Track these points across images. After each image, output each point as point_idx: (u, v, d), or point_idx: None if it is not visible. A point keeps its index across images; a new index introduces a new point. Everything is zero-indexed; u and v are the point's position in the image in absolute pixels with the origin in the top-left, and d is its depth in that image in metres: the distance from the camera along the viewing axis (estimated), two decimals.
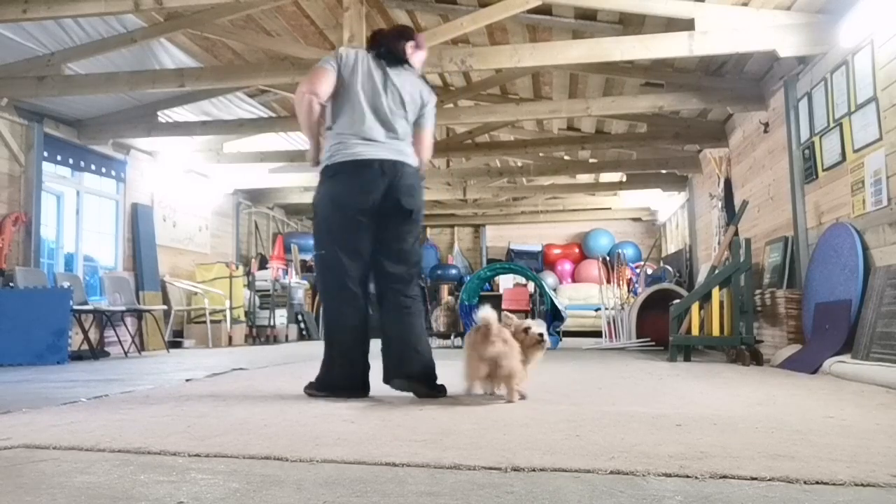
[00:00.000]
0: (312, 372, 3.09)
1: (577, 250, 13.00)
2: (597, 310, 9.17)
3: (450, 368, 4.65)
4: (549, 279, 12.10)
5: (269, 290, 9.76)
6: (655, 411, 2.45)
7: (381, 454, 1.67)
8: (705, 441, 1.84)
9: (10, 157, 6.42)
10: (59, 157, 7.07)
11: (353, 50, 3.04)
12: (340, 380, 2.93)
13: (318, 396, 2.91)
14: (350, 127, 2.91)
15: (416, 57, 3.17)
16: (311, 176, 7.42)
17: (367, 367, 2.96)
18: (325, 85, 2.91)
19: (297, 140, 8.87)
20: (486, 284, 10.12)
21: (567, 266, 12.82)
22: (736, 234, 5.61)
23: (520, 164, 9.62)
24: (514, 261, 12.29)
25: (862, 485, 1.37)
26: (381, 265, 2.96)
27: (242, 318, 9.24)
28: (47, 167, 6.89)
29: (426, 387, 2.86)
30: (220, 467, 1.57)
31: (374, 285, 3.01)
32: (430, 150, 3.18)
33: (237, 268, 9.30)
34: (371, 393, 3.01)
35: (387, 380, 2.90)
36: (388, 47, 3.06)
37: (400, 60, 3.05)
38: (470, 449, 1.74)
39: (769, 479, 1.41)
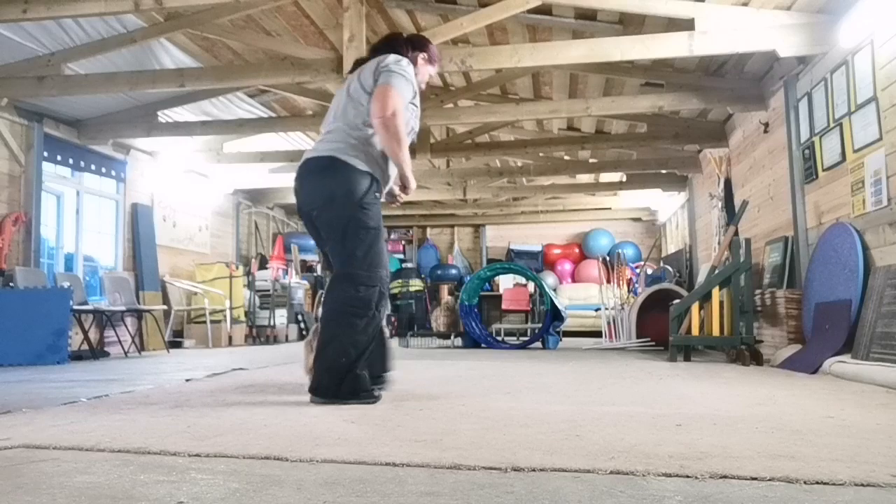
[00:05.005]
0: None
1: (577, 250, 13.00)
2: (597, 310, 9.17)
3: (450, 368, 4.67)
4: (549, 279, 12.10)
5: (269, 290, 9.77)
6: (655, 411, 2.45)
7: (381, 454, 1.67)
8: (705, 441, 1.84)
9: (10, 157, 6.42)
10: (59, 157, 7.07)
11: None
12: None
13: None
14: None
15: (422, 69, 3.08)
16: None
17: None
18: None
19: (298, 140, 8.88)
20: (486, 284, 10.13)
21: (567, 266, 12.82)
22: (736, 234, 5.61)
23: (520, 164, 9.62)
24: (514, 261, 12.29)
25: (862, 485, 1.37)
26: None
27: (242, 318, 9.24)
28: (47, 167, 6.89)
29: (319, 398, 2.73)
30: (220, 467, 1.57)
31: None
32: (384, 100, 2.72)
33: (237, 268, 9.30)
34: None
35: None
36: (384, 43, 3.05)
37: (383, 51, 2.97)
38: (470, 449, 1.74)
39: (769, 479, 1.41)
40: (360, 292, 2.73)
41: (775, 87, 5.76)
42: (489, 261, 13.16)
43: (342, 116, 2.87)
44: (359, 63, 3.04)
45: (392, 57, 2.90)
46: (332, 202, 2.76)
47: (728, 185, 7.36)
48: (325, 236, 2.85)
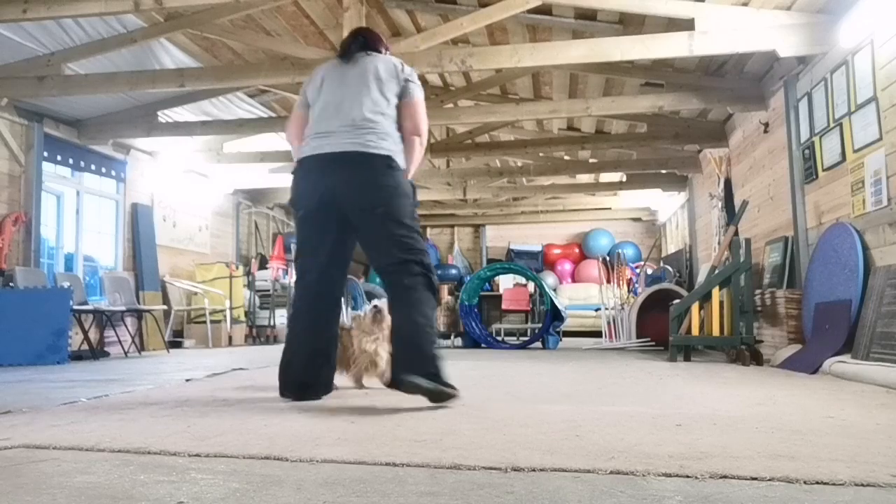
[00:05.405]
0: None
1: (577, 250, 13.00)
2: (597, 310, 9.17)
3: (450, 369, 4.66)
4: (549, 279, 12.10)
5: (269, 290, 9.77)
6: (655, 411, 2.45)
7: (381, 454, 1.67)
8: (705, 441, 1.84)
9: (10, 157, 6.42)
10: (59, 157, 7.07)
11: (322, 66, 3.03)
12: (281, 378, 2.87)
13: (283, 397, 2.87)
14: (314, 125, 2.91)
15: None
16: None
17: (310, 368, 2.85)
18: (295, 128, 3.06)
19: None
20: (486, 284, 10.13)
21: (567, 266, 12.82)
22: (736, 234, 5.62)
23: (520, 164, 9.62)
24: (514, 261, 12.29)
25: (862, 485, 1.37)
26: (375, 261, 2.84)
27: (242, 318, 9.24)
28: (47, 167, 6.89)
29: (426, 387, 2.54)
30: (220, 467, 1.57)
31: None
32: (420, 120, 2.90)
33: (237, 268, 9.30)
34: (365, 392, 3.02)
35: (395, 380, 2.71)
36: (366, 38, 3.01)
37: (370, 48, 2.98)
38: (470, 449, 1.74)
39: (769, 479, 1.41)
40: (436, 275, 2.82)
41: (775, 87, 5.76)
42: (489, 261, 13.16)
43: (386, 114, 2.82)
44: (349, 49, 2.98)
45: (408, 67, 2.95)
46: (406, 200, 2.77)
47: (728, 185, 7.36)
48: (392, 232, 2.73)
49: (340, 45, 3.06)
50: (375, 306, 3.08)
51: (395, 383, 2.68)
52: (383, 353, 3.03)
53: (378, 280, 12.13)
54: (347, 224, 2.81)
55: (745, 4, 4.79)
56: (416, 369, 2.57)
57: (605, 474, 1.47)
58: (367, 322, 3.06)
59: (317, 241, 2.87)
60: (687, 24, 4.78)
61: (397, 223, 2.74)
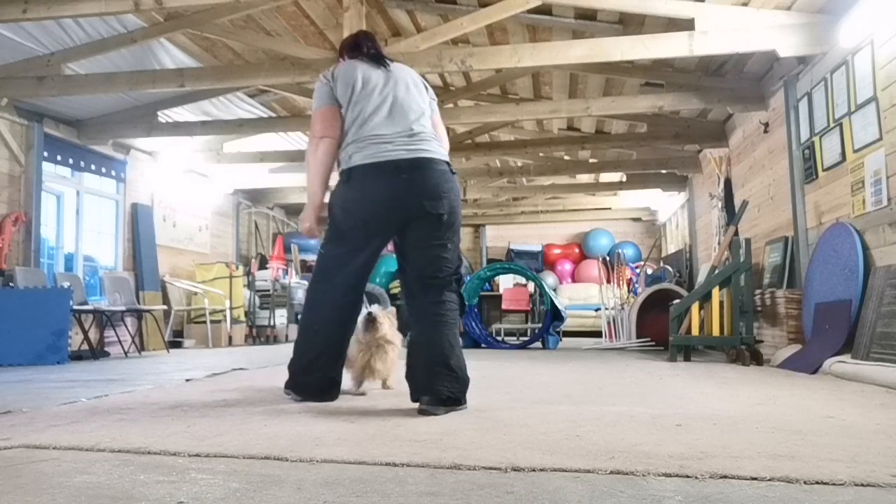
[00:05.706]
0: None
1: (577, 250, 13.00)
2: (597, 310, 9.17)
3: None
4: (549, 279, 12.10)
5: (269, 290, 9.77)
6: (655, 411, 2.45)
7: (381, 454, 1.67)
8: (705, 441, 1.84)
9: (10, 157, 6.42)
10: (59, 157, 7.07)
11: (336, 67, 2.87)
12: (297, 380, 2.83)
13: (289, 396, 2.86)
14: (361, 131, 2.71)
15: None
16: None
17: (333, 370, 2.82)
18: (331, 123, 2.76)
19: (297, 140, 8.88)
20: (486, 284, 10.13)
21: (567, 266, 12.82)
22: (736, 234, 5.62)
23: (520, 164, 9.62)
24: (514, 261, 12.29)
25: (862, 485, 1.37)
26: (408, 274, 2.74)
27: (242, 318, 9.24)
28: (47, 167, 6.89)
29: (452, 406, 2.53)
30: (220, 467, 1.57)
31: (404, 298, 2.82)
32: (444, 135, 2.92)
33: (237, 268, 9.30)
34: (367, 393, 3.02)
35: (414, 398, 2.58)
36: (376, 47, 2.96)
37: (384, 57, 2.93)
38: (470, 449, 1.74)
39: (769, 479, 1.41)
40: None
41: (775, 87, 5.76)
42: (489, 261, 13.16)
43: (430, 124, 2.80)
44: (369, 51, 2.91)
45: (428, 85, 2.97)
46: (460, 207, 2.75)
47: (728, 185, 7.36)
48: (445, 240, 2.67)
49: (357, 47, 2.94)
50: (370, 314, 3.04)
51: (417, 400, 2.55)
52: (380, 364, 3.03)
53: (378, 280, 12.11)
54: (394, 233, 2.73)
55: (745, 4, 4.79)
56: (449, 392, 2.52)
57: (605, 474, 1.47)
58: (360, 331, 3.03)
59: (358, 246, 2.73)
60: (687, 24, 4.79)
61: (455, 231, 2.71)
